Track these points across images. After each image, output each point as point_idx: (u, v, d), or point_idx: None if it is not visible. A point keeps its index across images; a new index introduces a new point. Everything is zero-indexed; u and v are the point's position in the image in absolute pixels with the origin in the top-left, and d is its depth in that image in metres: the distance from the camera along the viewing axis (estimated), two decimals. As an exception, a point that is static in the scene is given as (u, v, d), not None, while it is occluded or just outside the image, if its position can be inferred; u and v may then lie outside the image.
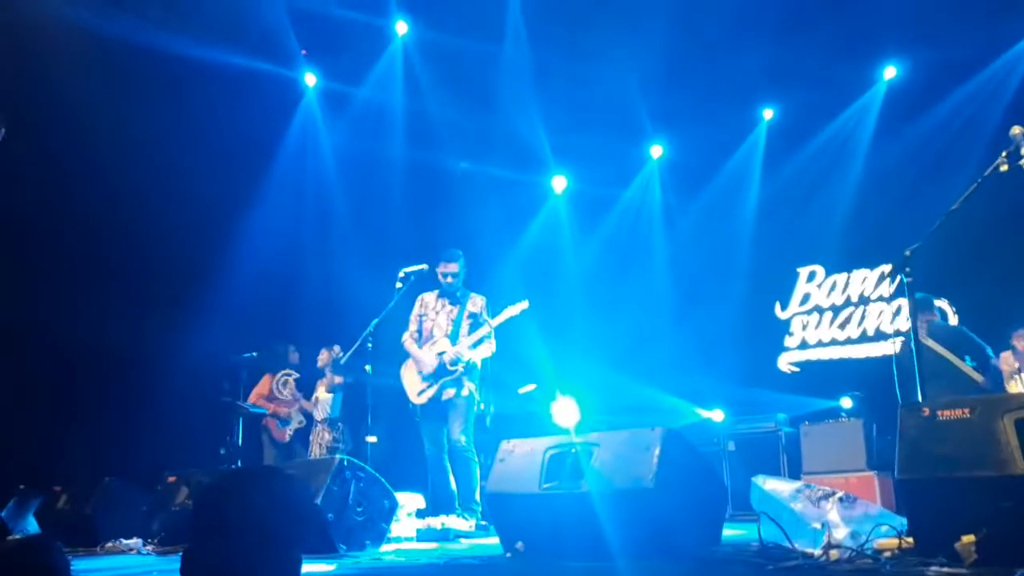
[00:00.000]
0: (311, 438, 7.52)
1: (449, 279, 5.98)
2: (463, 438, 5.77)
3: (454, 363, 5.79)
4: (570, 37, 8.82)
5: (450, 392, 5.82)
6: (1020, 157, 3.87)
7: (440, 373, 5.83)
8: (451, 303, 6.02)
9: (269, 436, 7.56)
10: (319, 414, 7.52)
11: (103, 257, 7.61)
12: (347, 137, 9.27)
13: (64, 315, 7.16)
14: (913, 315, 4.06)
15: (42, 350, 7.15)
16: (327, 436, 7.42)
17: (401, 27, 8.79)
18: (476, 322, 5.92)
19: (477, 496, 5.78)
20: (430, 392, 5.82)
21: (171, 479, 5.79)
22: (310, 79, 9.16)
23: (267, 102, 8.60)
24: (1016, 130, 3.92)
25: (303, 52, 8.78)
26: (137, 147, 7.50)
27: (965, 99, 7.90)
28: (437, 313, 6.03)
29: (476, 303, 6.01)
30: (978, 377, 5.79)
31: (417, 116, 9.21)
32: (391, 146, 9.30)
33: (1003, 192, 4.39)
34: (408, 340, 6.05)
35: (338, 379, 7.50)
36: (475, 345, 5.84)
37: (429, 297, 6.14)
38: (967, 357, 5.82)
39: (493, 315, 5.95)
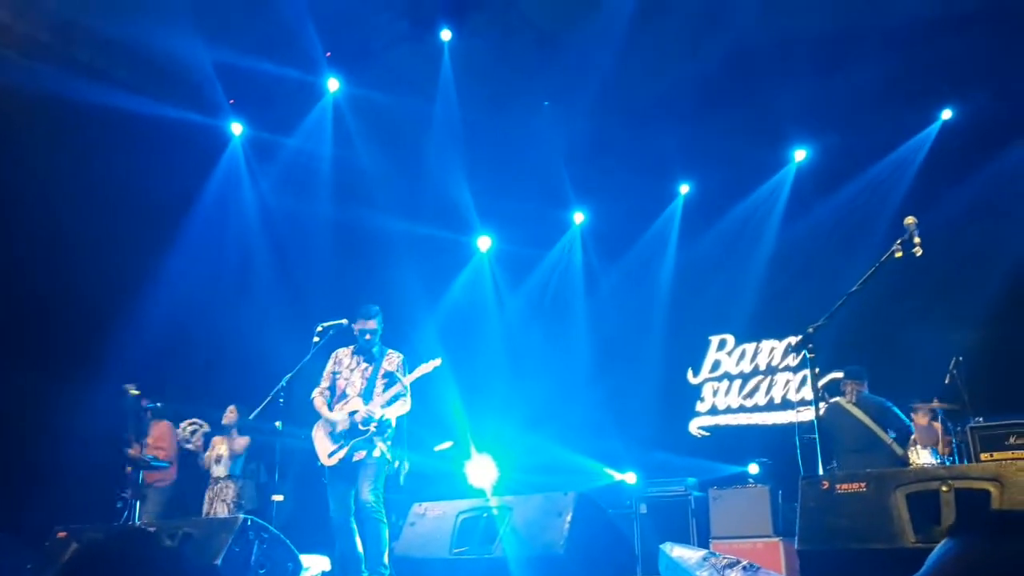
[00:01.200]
0: (208, 494, 7.20)
1: (367, 336, 5.81)
2: (372, 498, 5.47)
3: (366, 422, 5.58)
4: (499, 103, 9.05)
5: (361, 453, 5.57)
6: (913, 245, 4.15)
7: (352, 433, 5.58)
8: (366, 360, 5.84)
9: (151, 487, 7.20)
10: (220, 471, 7.24)
11: (4, 304, 7.29)
12: (272, 188, 9.18)
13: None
14: (815, 389, 4.24)
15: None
16: (231, 492, 7.16)
17: (333, 84, 8.85)
18: (391, 380, 5.74)
19: (385, 559, 5.59)
20: (340, 454, 5.57)
21: (61, 534, 5.47)
22: (236, 128, 9.09)
23: (191, 150, 8.45)
24: (910, 220, 4.21)
25: (231, 101, 8.71)
26: (50, 194, 7.28)
27: (869, 182, 8.42)
28: (352, 371, 5.82)
29: (392, 361, 5.82)
30: (900, 451, 6.02)
31: (345, 170, 9.21)
32: (317, 199, 9.25)
33: (897, 274, 4.64)
34: (318, 398, 5.82)
35: (244, 440, 7.29)
36: (389, 403, 5.66)
37: (343, 354, 5.94)
38: (890, 431, 6.06)
39: (409, 373, 5.80)
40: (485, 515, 4.05)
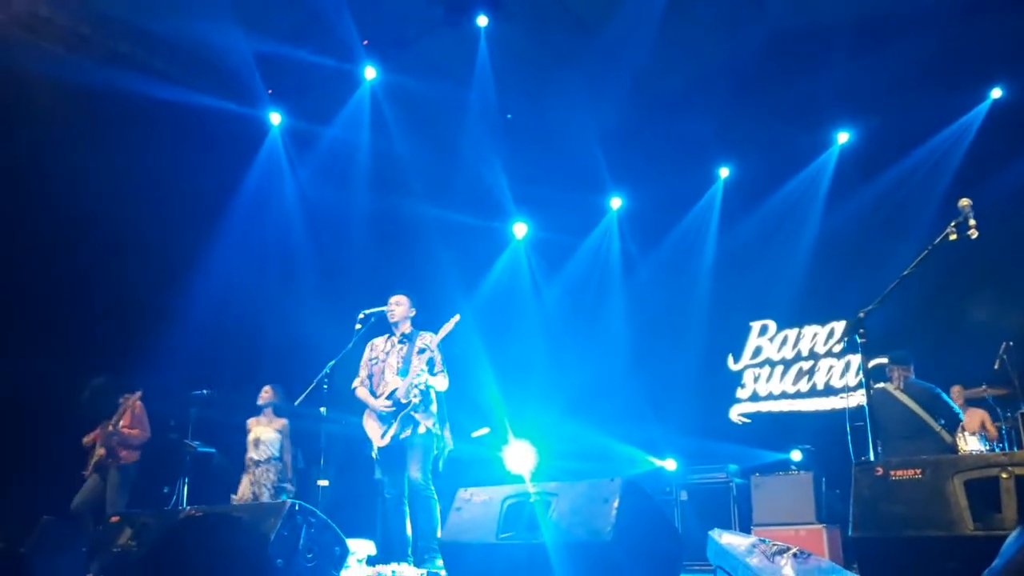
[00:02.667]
0: (247, 479, 7.17)
1: (395, 316, 5.95)
2: (420, 477, 5.59)
3: (407, 394, 5.69)
4: (535, 89, 9.00)
5: (407, 431, 5.68)
6: (968, 228, 4.04)
7: (398, 410, 5.71)
8: (400, 342, 5.94)
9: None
10: (260, 454, 7.24)
11: (52, 295, 7.43)
12: (310, 177, 9.25)
13: (8, 356, 6.95)
14: (866, 374, 4.16)
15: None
16: (272, 476, 7.17)
17: (370, 72, 8.86)
18: (424, 356, 5.82)
19: (439, 533, 5.63)
20: (392, 431, 5.69)
21: (114, 519, 5.58)
22: (275, 118, 9.16)
23: (231, 140, 8.54)
24: (964, 202, 4.10)
25: (269, 92, 8.77)
26: (95, 186, 7.39)
27: (915, 165, 8.25)
28: (387, 354, 5.94)
29: (425, 339, 5.91)
30: (949, 439, 5.90)
31: (382, 158, 9.24)
32: (355, 187, 9.30)
33: (944, 257, 4.52)
34: (360, 388, 5.94)
35: (282, 421, 7.30)
36: (426, 370, 5.73)
37: (379, 341, 6.05)
38: (939, 418, 5.93)
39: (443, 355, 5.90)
40: (531, 500, 4.03)
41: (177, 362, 7.41)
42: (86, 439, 7.16)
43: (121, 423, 7.10)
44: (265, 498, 6.93)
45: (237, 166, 8.87)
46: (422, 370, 5.72)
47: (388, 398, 5.76)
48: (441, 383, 5.79)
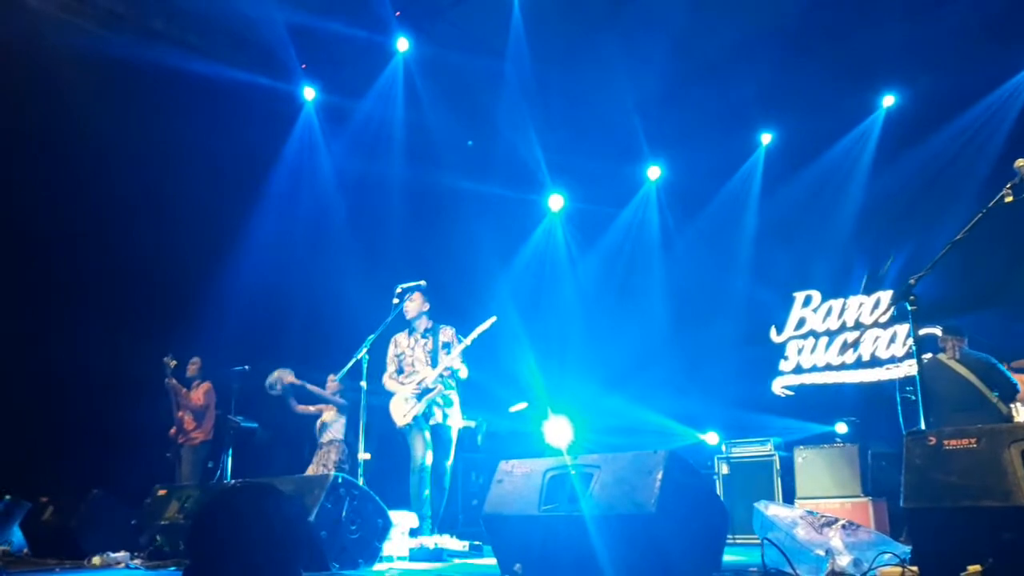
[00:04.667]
0: (315, 459, 7.40)
1: (409, 312, 6.19)
2: (435, 461, 5.97)
3: (435, 382, 6.02)
4: (570, 58, 8.86)
5: (436, 418, 6.03)
6: (1025, 190, 3.88)
7: (422, 394, 6.03)
8: (423, 336, 6.23)
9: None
10: (325, 437, 7.42)
11: (97, 270, 7.57)
12: (345, 152, 9.25)
13: (57, 329, 7.11)
14: (917, 342, 4.03)
15: (35, 363, 7.08)
16: (333, 456, 7.32)
17: (402, 44, 8.79)
18: (450, 350, 6.15)
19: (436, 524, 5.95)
20: (415, 410, 6.00)
21: (161, 492, 5.70)
22: (309, 93, 9.15)
23: (266, 115, 8.58)
24: (1021, 163, 3.92)
25: (303, 66, 8.75)
26: (132, 162, 7.49)
27: (964, 128, 7.96)
28: (413, 349, 6.21)
29: (447, 333, 6.22)
30: (1005, 410, 5.74)
31: (416, 132, 9.20)
32: (389, 162, 9.28)
33: (1001, 223, 4.34)
34: (389, 381, 6.22)
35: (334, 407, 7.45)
36: (452, 371, 6.08)
37: (401, 337, 6.29)
38: (995, 389, 5.77)
39: (462, 339, 6.13)
40: (573, 473, 4.00)
41: (218, 337, 7.50)
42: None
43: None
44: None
45: (273, 141, 8.92)
46: (449, 367, 6.04)
47: (416, 385, 6.08)
48: (464, 371, 6.11)
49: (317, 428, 7.48)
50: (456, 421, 6.16)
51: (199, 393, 7.64)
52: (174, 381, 7.47)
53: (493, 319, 5.94)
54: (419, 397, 6.01)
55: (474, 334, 5.95)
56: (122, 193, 7.55)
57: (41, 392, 7.11)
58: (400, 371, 6.22)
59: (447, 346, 6.15)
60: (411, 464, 6.01)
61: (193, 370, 7.76)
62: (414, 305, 6.19)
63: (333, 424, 7.41)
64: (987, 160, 7.50)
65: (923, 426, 4.07)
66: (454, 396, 6.15)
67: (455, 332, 6.20)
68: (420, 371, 6.11)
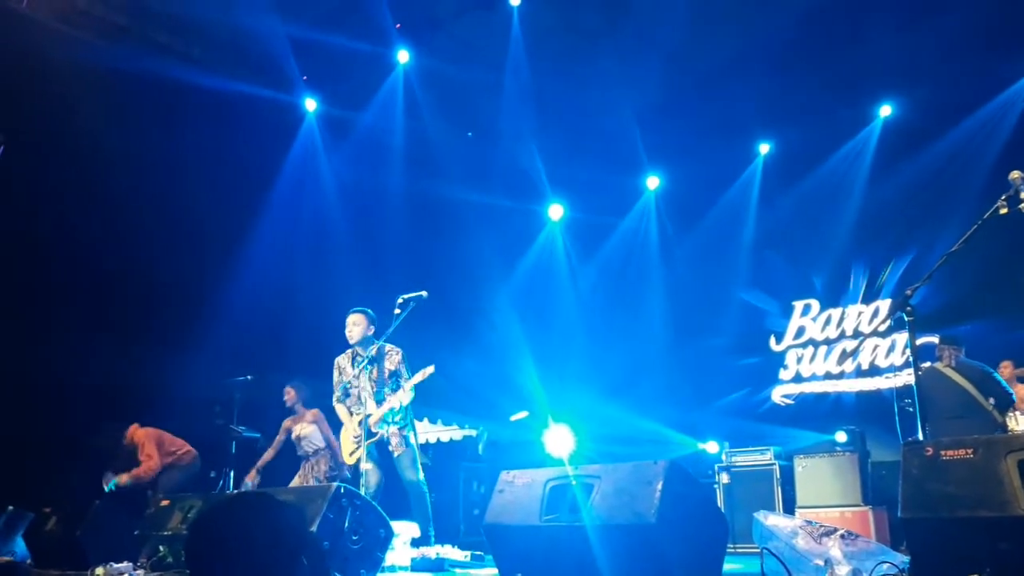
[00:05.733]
0: (301, 472, 7.25)
1: (353, 337, 5.93)
2: (413, 476, 5.76)
3: (380, 425, 5.80)
4: (569, 69, 8.92)
5: (393, 446, 5.81)
6: (1020, 201, 3.92)
7: (368, 435, 5.81)
8: (369, 364, 5.89)
9: None
10: (305, 449, 7.26)
11: (99, 281, 7.58)
12: (347, 162, 9.29)
13: (60, 340, 7.12)
14: (914, 352, 4.07)
15: (38, 374, 7.08)
16: (323, 467, 7.25)
17: (403, 56, 8.86)
18: (396, 380, 5.87)
19: (431, 529, 5.86)
20: (359, 453, 5.81)
21: (164, 502, 5.72)
22: (311, 104, 9.21)
23: (268, 127, 8.62)
24: (1015, 175, 3.97)
25: (304, 78, 8.82)
26: (136, 174, 7.51)
27: (961, 138, 8.03)
28: (357, 377, 5.92)
29: (392, 359, 5.91)
30: (1000, 418, 5.79)
31: (417, 143, 9.26)
32: (390, 172, 9.34)
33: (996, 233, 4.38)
34: (340, 407, 6.02)
35: (314, 412, 7.35)
36: (396, 405, 5.79)
37: (343, 361, 6.05)
38: (990, 397, 5.82)
39: (409, 368, 5.89)
40: (574, 483, 4.03)
41: (219, 347, 7.52)
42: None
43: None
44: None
45: (275, 152, 8.96)
46: (395, 404, 5.74)
47: (360, 425, 5.83)
48: (407, 397, 5.78)
49: (295, 441, 7.31)
50: (405, 443, 5.83)
51: (144, 456, 7.08)
52: (125, 478, 6.97)
53: (430, 369, 5.65)
54: (364, 439, 5.78)
55: (412, 382, 5.69)
56: (127, 204, 7.58)
57: (44, 403, 7.13)
58: (346, 395, 5.99)
59: (394, 375, 5.85)
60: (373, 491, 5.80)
61: (129, 437, 7.23)
62: (358, 330, 5.90)
63: (312, 435, 7.27)
64: (983, 170, 7.55)
65: (921, 435, 4.10)
66: (400, 422, 5.84)
67: (401, 358, 5.89)
68: (367, 405, 5.85)
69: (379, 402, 5.85)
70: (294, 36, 8.09)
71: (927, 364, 6.24)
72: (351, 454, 5.91)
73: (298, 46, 8.32)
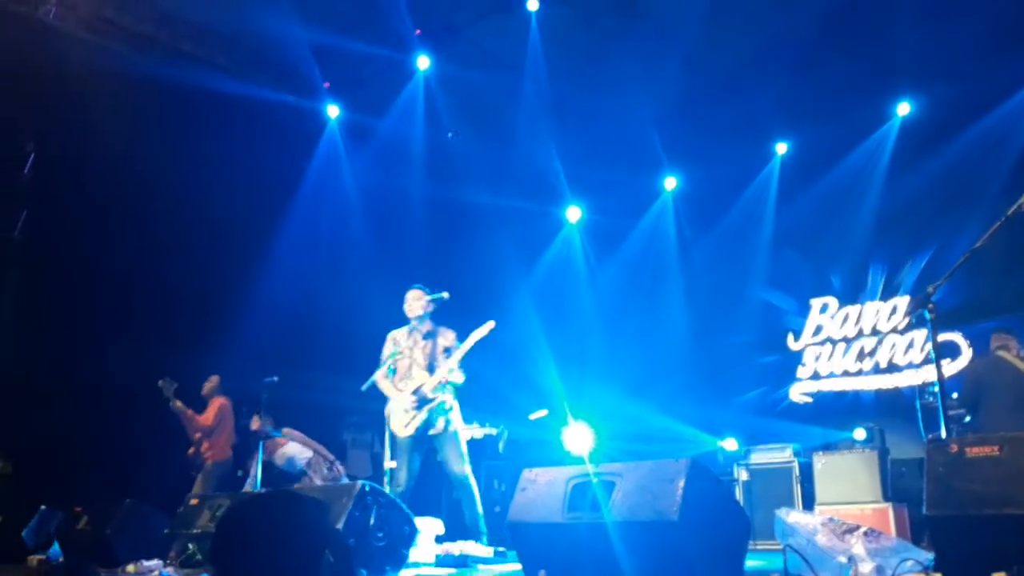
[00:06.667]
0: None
1: (413, 311, 6.01)
2: (461, 468, 5.81)
3: (435, 391, 5.82)
4: (587, 72, 8.98)
5: (438, 426, 5.83)
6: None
7: (422, 403, 5.83)
8: (423, 339, 6.00)
9: None
10: (295, 467, 7.28)
11: (127, 284, 7.72)
12: (367, 167, 9.40)
13: (89, 342, 7.25)
14: (936, 350, 4.09)
15: (68, 375, 7.22)
16: (318, 481, 7.14)
17: (423, 62, 8.95)
18: (449, 355, 5.93)
19: (482, 524, 5.89)
20: (416, 423, 5.81)
21: (194, 501, 5.83)
22: (333, 111, 9.32)
23: (291, 134, 8.74)
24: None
25: (326, 85, 8.93)
26: (162, 180, 7.63)
27: (980, 135, 7.99)
28: (411, 350, 5.97)
29: (447, 337, 6.00)
30: None
31: (437, 148, 9.34)
32: (410, 177, 9.42)
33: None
34: (383, 380, 5.98)
35: (283, 433, 7.33)
36: (450, 372, 5.86)
37: (400, 335, 6.08)
38: None
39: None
40: (595, 481, 4.08)
41: (245, 349, 7.63)
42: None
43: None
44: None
45: (298, 158, 9.07)
46: (451, 370, 5.82)
47: (413, 393, 5.85)
48: (459, 377, 5.88)
49: (281, 467, 7.29)
50: (459, 425, 5.93)
51: (209, 413, 7.55)
52: (179, 404, 7.36)
53: (491, 324, 5.73)
54: (419, 406, 5.82)
55: (471, 340, 5.76)
56: (152, 209, 7.71)
57: (75, 404, 7.27)
58: (392, 372, 5.98)
59: (447, 351, 5.91)
60: (409, 476, 5.82)
61: (208, 388, 7.69)
62: (418, 304, 5.99)
63: (294, 452, 7.27)
64: (1003, 169, 7.53)
65: (943, 433, 4.11)
66: (453, 402, 5.92)
67: (455, 337, 5.97)
68: (416, 377, 5.88)
69: (431, 372, 5.86)
70: (316, 43, 8.20)
71: (997, 352, 5.97)
72: (406, 425, 5.84)
73: (320, 53, 8.42)
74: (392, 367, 5.98)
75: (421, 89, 9.08)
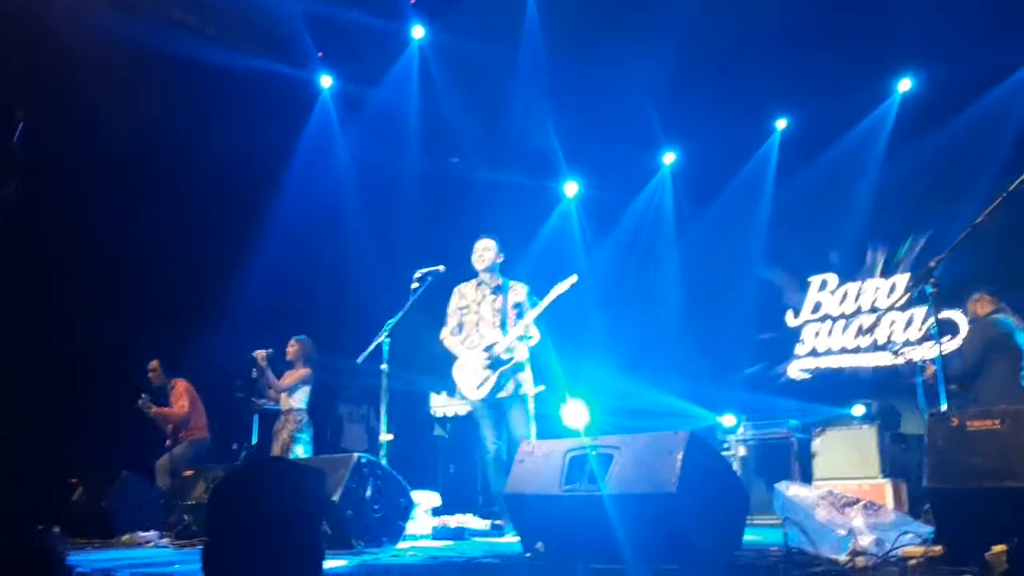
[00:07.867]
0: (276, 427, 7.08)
1: (484, 262, 5.60)
2: (526, 434, 5.40)
3: (508, 351, 5.40)
4: (585, 45, 8.86)
5: (507, 390, 5.44)
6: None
7: (496, 364, 5.41)
8: (492, 293, 5.57)
9: None
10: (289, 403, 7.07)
11: (121, 258, 7.64)
12: (361, 139, 9.30)
13: (83, 314, 7.20)
14: (938, 324, 4.06)
15: (65, 348, 7.17)
16: (290, 427, 6.88)
17: (418, 31, 8.82)
18: (520, 312, 5.50)
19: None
20: (489, 384, 5.41)
21: (188, 473, 5.82)
22: (326, 81, 9.20)
23: (284, 104, 8.63)
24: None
25: (319, 54, 8.81)
26: (151, 150, 7.53)
27: (980, 113, 7.93)
28: (479, 304, 5.56)
29: (519, 292, 5.57)
30: None
31: (432, 120, 9.24)
32: (405, 149, 9.33)
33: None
34: (449, 338, 5.65)
35: (306, 370, 7.12)
36: (523, 338, 5.43)
37: (468, 288, 5.68)
38: None
39: (537, 301, 5.51)
40: (593, 453, 4.05)
41: (239, 321, 7.59)
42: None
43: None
44: (276, 450, 6.74)
45: (291, 128, 8.97)
46: (527, 327, 5.41)
47: (485, 350, 5.49)
48: (536, 334, 5.50)
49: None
50: (529, 388, 5.47)
51: (180, 401, 7.41)
52: (154, 410, 7.28)
53: (574, 278, 5.33)
54: (492, 367, 5.40)
55: (551, 295, 5.34)
56: (142, 180, 7.63)
57: (70, 377, 7.23)
58: (460, 327, 5.61)
59: (518, 306, 5.48)
60: (484, 452, 5.49)
61: (155, 377, 7.52)
62: (489, 255, 5.55)
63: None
64: (1003, 145, 7.47)
65: (944, 406, 4.09)
66: (525, 361, 5.47)
67: (528, 291, 5.54)
68: (486, 334, 5.47)
69: (504, 331, 5.44)
70: (309, 12, 8.07)
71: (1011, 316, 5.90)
72: (479, 387, 5.43)
73: (313, 22, 8.29)
74: (459, 324, 5.65)
75: (416, 59, 8.96)
